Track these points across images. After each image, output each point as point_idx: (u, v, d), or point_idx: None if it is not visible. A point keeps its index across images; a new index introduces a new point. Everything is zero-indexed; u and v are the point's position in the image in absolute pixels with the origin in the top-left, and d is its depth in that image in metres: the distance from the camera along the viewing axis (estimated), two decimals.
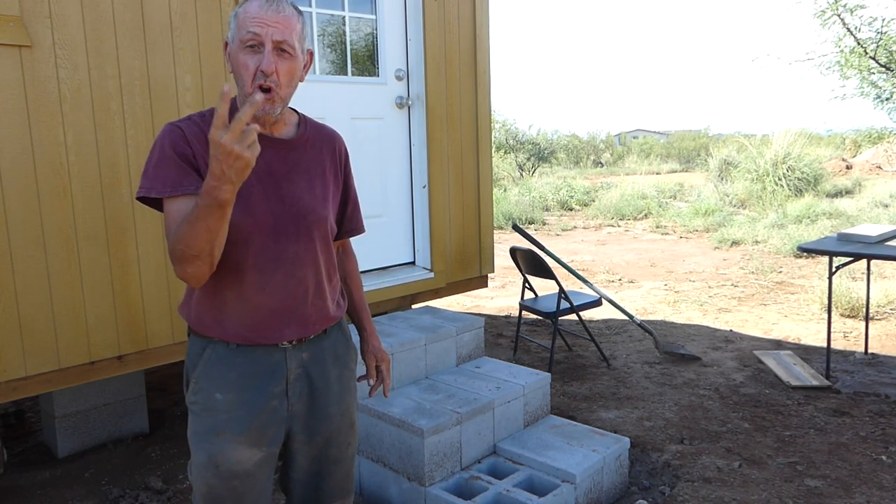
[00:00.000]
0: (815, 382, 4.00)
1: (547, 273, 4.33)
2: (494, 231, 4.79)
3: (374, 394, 1.89)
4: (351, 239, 1.82)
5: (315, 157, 1.65)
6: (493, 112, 4.49)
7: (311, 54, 1.59)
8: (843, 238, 4.15)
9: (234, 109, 1.57)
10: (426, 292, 3.97)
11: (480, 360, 3.41)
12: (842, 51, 11.31)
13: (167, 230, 1.43)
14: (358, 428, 1.83)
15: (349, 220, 1.77)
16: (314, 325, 1.63)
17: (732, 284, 6.84)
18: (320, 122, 1.72)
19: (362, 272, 3.75)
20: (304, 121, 1.67)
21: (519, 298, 4.81)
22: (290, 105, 1.62)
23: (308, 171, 1.62)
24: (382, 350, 1.88)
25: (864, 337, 4.74)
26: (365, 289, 3.80)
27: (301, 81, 1.56)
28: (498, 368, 3.28)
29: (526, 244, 4.71)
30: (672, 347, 4.61)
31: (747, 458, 3.14)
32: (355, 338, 1.93)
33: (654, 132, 46.29)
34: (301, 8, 3.55)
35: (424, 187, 3.90)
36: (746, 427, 3.48)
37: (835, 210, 11.12)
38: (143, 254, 2.84)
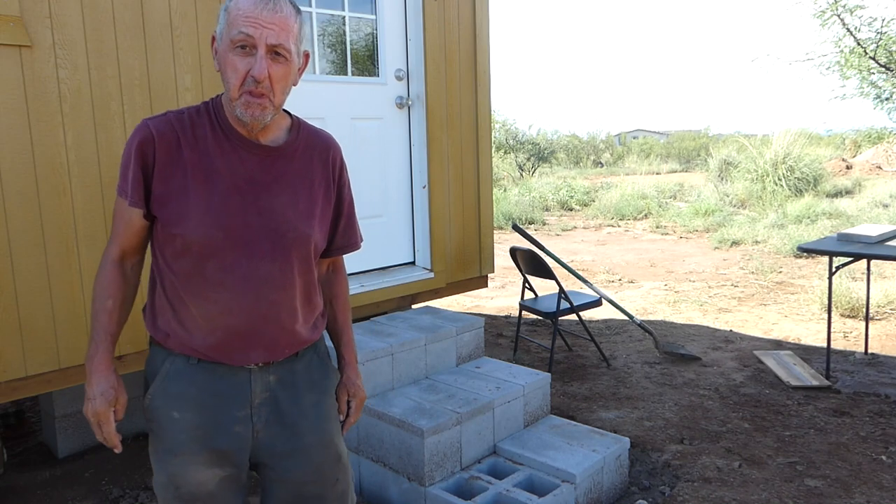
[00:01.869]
0: (815, 382, 4.00)
1: (547, 273, 4.33)
2: (494, 231, 4.79)
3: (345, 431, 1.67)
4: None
5: (304, 166, 1.49)
6: (493, 112, 4.49)
7: (308, 56, 1.46)
8: (843, 238, 4.15)
9: (217, 108, 1.44)
10: (426, 292, 3.96)
11: (480, 360, 3.41)
12: (842, 51, 11.31)
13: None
14: (349, 462, 1.65)
15: (341, 237, 1.61)
16: (283, 349, 1.49)
17: (732, 284, 6.84)
18: (316, 125, 1.59)
19: (363, 272, 3.75)
20: (297, 125, 1.52)
21: (519, 298, 4.81)
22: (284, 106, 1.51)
23: (294, 183, 1.47)
24: (358, 385, 1.66)
25: (864, 337, 4.74)
26: (365, 289, 3.81)
27: (294, 85, 1.44)
28: (498, 368, 3.28)
29: (526, 244, 4.71)
30: (672, 347, 4.61)
31: (747, 458, 3.14)
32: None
33: (654, 132, 46.28)
34: (301, 8, 3.56)
35: (424, 187, 3.90)
36: (746, 427, 3.48)
37: (835, 210, 11.12)
38: None
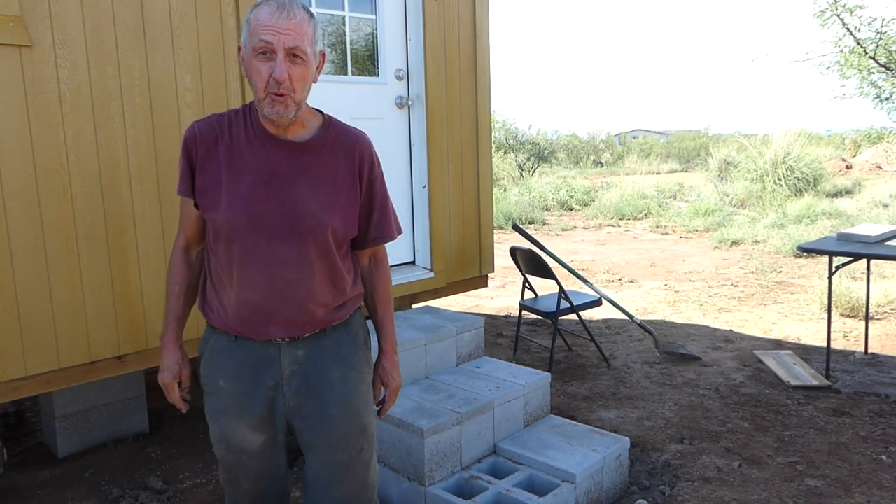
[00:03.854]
0: (815, 382, 4.00)
1: (547, 273, 4.33)
2: (494, 231, 4.79)
3: (383, 415, 1.86)
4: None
5: (329, 161, 1.63)
6: (493, 112, 4.49)
7: (324, 55, 1.60)
8: (843, 238, 4.15)
9: (252, 109, 1.62)
10: (426, 292, 3.96)
11: (480, 360, 3.41)
12: (841, 51, 11.31)
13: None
14: (374, 433, 1.80)
15: (375, 228, 1.73)
16: (302, 326, 1.63)
17: (732, 284, 6.84)
18: (350, 125, 1.70)
19: None
20: (327, 123, 1.66)
21: (519, 298, 4.81)
22: (315, 107, 1.67)
23: (316, 176, 1.61)
24: (392, 375, 1.81)
25: (864, 337, 4.74)
26: None
27: (314, 83, 1.59)
28: (498, 368, 3.28)
29: (526, 244, 4.70)
30: (672, 347, 4.61)
31: (747, 458, 3.14)
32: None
33: (654, 132, 46.24)
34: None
35: (424, 187, 3.90)
36: (746, 427, 3.48)
37: (835, 210, 11.12)
38: (143, 254, 2.84)
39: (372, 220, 1.71)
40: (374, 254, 1.79)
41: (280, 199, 1.57)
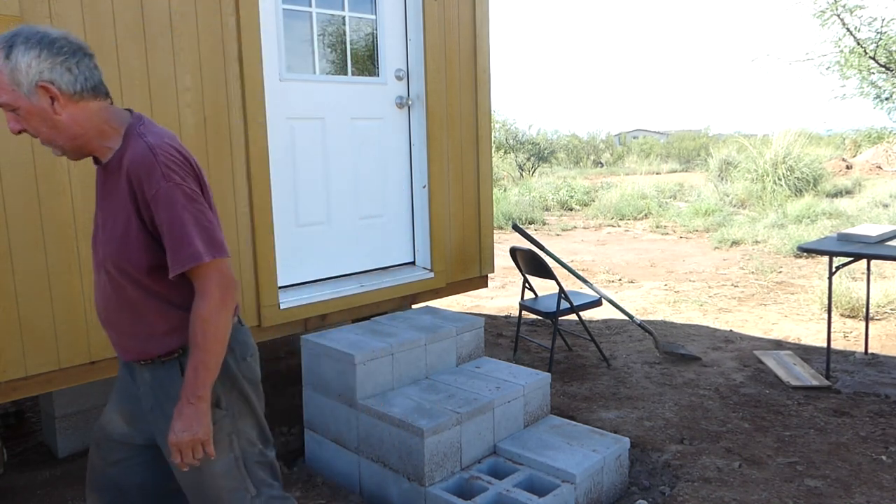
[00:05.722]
0: (815, 382, 4.00)
1: (547, 273, 4.33)
2: (494, 231, 4.79)
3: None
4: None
5: (115, 185, 1.52)
6: (493, 112, 4.49)
7: (44, 87, 1.41)
8: (843, 238, 4.15)
9: None
10: (426, 292, 3.96)
11: (480, 360, 3.41)
12: (841, 51, 11.31)
13: None
14: (216, 473, 1.64)
15: (169, 254, 1.49)
16: (127, 353, 1.66)
17: (732, 284, 6.84)
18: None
19: (362, 272, 3.75)
20: (125, 140, 1.52)
21: (519, 298, 4.81)
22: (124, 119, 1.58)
23: (110, 203, 1.54)
24: (173, 426, 1.53)
25: (864, 337, 4.74)
26: (365, 289, 3.81)
27: (59, 116, 1.44)
28: (498, 368, 3.28)
29: (526, 244, 4.70)
30: (672, 347, 4.61)
31: (747, 458, 3.14)
32: None
33: (654, 132, 46.19)
34: (301, 8, 3.55)
35: (424, 187, 3.90)
36: (746, 427, 3.48)
37: (835, 210, 11.12)
38: None
39: (166, 245, 1.49)
40: (196, 284, 1.51)
41: (95, 226, 1.62)
